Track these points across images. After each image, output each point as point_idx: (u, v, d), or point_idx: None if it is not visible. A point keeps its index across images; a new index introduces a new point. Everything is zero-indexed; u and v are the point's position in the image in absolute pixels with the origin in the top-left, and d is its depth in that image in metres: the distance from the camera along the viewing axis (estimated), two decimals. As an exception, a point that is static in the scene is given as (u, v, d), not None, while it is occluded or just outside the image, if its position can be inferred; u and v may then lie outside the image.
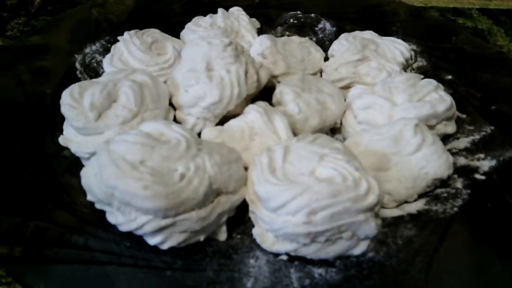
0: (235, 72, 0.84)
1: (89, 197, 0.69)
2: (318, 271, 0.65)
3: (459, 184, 0.80)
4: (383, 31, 1.16)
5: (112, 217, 0.67)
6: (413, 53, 1.10)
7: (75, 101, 0.80)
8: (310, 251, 0.65)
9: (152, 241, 0.66)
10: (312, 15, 1.26)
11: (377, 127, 0.84)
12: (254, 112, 0.84)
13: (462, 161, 0.85)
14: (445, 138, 0.90)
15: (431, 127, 0.87)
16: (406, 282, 0.65)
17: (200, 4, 1.27)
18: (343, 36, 1.10)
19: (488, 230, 0.71)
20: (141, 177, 0.62)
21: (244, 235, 0.72)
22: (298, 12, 1.27)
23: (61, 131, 0.85)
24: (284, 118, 0.84)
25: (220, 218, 0.69)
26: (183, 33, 1.13)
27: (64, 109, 0.80)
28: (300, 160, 0.69)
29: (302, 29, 1.24)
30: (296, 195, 0.63)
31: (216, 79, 0.84)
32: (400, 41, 1.09)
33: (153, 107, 0.84)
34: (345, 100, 0.95)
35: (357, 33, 1.13)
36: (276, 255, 0.67)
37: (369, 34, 1.12)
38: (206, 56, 0.85)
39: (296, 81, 0.92)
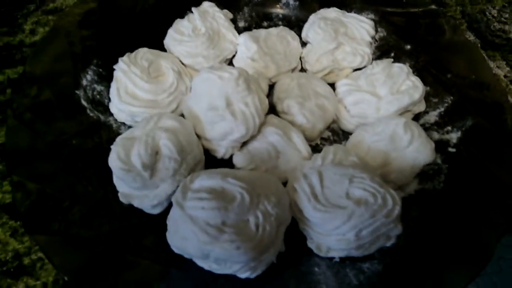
0: (252, 104, 0.96)
1: (179, 252, 0.85)
2: (365, 266, 0.88)
3: (438, 159, 1.02)
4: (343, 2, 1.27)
5: (205, 265, 0.85)
6: (373, 24, 1.25)
7: (125, 164, 0.90)
8: (358, 253, 0.88)
9: (243, 275, 0.85)
10: (274, -11, 1.32)
11: (371, 125, 1.04)
12: (274, 135, 0.99)
13: (435, 136, 1.06)
14: (417, 115, 1.11)
15: (408, 111, 1.08)
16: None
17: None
18: (315, 22, 1.21)
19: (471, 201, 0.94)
20: (230, 239, 0.80)
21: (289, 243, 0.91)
22: (260, -12, 1.32)
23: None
24: (300, 133, 1.01)
25: (281, 240, 0.90)
26: (167, 43, 1.17)
27: (118, 173, 0.90)
28: (334, 184, 0.89)
29: (266, 5, 1.32)
30: (345, 220, 0.84)
31: (240, 115, 0.96)
32: (363, 18, 1.22)
33: (190, 149, 0.95)
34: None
35: (322, 12, 1.24)
36: (330, 258, 0.90)
37: (333, 13, 1.24)
38: (222, 92, 0.96)
39: (296, 91, 1.06)
